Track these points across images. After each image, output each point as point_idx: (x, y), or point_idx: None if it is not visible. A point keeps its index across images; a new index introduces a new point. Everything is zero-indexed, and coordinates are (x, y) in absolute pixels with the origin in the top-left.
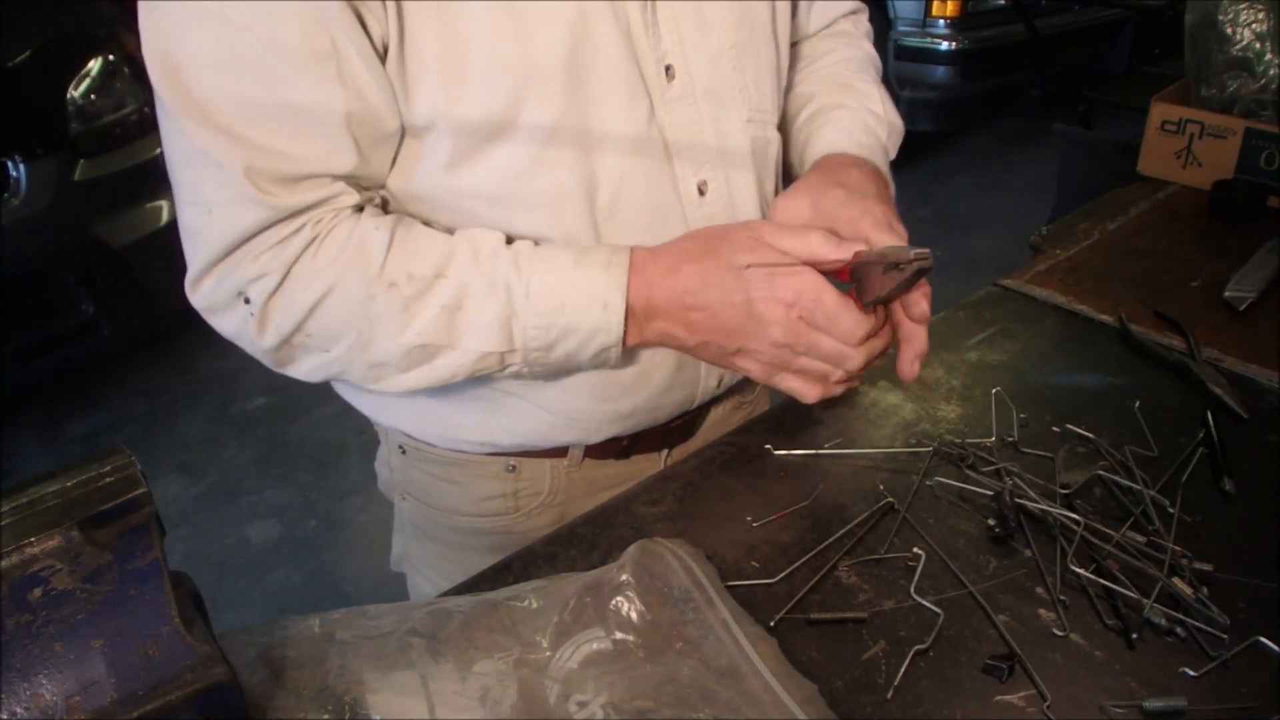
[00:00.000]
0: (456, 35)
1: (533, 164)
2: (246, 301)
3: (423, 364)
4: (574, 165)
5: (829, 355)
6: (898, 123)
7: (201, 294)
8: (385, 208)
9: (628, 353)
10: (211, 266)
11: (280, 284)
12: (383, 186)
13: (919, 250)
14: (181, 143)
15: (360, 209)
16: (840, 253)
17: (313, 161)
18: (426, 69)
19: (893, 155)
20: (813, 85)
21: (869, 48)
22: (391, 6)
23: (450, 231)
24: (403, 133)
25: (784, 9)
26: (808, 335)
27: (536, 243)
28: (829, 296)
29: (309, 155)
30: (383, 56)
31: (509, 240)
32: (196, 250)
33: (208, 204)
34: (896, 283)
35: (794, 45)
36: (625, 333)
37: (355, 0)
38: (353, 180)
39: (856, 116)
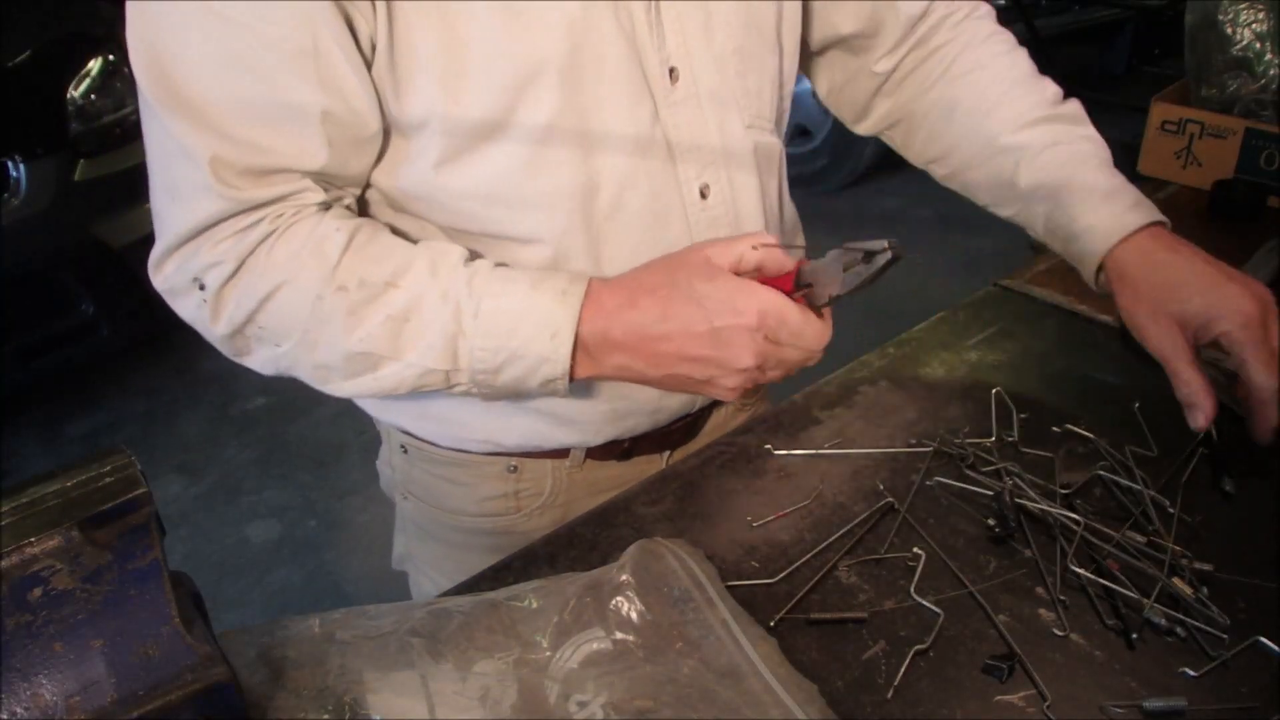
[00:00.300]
0: (456, 34)
1: (529, 164)
2: (201, 288)
3: (366, 373)
4: (573, 166)
5: (794, 365)
6: (1098, 136)
7: (162, 276)
8: (364, 210)
9: (579, 385)
10: (173, 251)
11: (234, 273)
12: (360, 186)
13: (889, 241)
14: (157, 129)
15: (327, 207)
16: (787, 261)
17: (282, 156)
18: (421, 68)
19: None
20: (1015, 134)
21: (994, 26)
22: (381, 6)
23: (442, 231)
24: (387, 133)
25: (791, 14)
26: (775, 353)
27: (501, 264)
28: (791, 313)
29: (280, 149)
30: (371, 55)
31: (472, 258)
32: (162, 234)
33: (174, 191)
34: (863, 278)
35: (914, 42)
36: (574, 364)
37: (343, 0)
38: (322, 178)
39: (1090, 164)
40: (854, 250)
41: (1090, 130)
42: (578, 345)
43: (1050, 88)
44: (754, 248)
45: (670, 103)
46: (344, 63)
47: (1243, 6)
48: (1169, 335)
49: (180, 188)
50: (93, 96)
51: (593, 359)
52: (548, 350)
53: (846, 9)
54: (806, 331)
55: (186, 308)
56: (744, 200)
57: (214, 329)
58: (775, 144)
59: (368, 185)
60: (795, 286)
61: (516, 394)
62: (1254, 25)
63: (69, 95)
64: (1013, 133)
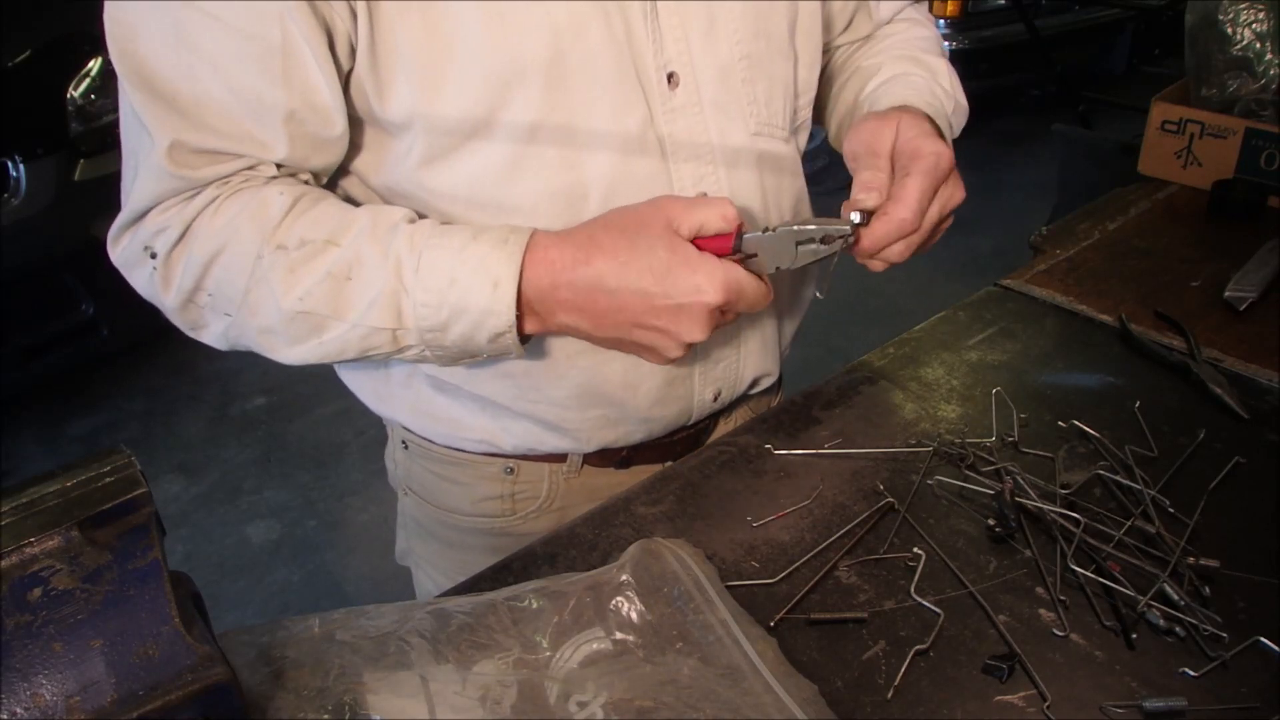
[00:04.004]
0: (438, 34)
1: (509, 167)
2: (153, 256)
3: (310, 337)
4: (557, 170)
5: (730, 323)
6: (964, 103)
7: (119, 250)
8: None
9: (532, 343)
10: (130, 225)
11: (180, 237)
12: (323, 178)
13: (852, 226)
14: (126, 106)
15: (275, 179)
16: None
17: (241, 144)
18: (403, 67)
19: (955, 134)
20: (880, 58)
21: (934, 31)
22: (362, 6)
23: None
24: (359, 125)
25: (808, 15)
26: (722, 322)
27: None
28: (750, 285)
29: (240, 139)
30: (352, 55)
31: (416, 218)
32: (123, 208)
33: (136, 167)
34: (818, 257)
35: (867, 39)
36: (521, 318)
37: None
38: (280, 164)
39: (925, 84)
40: (811, 229)
41: (948, 85)
42: (521, 299)
43: (942, 64)
44: (722, 218)
45: (669, 108)
46: (312, 62)
47: (1243, 6)
48: (870, 137)
49: (141, 165)
50: (93, 96)
51: (538, 316)
52: (489, 301)
53: (834, 9)
54: (760, 301)
55: (140, 280)
56: (744, 204)
57: (166, 299)
58: (786, 150)
59: (346, 174)
60: (733, 249)
61: (470, 355)
62: (1254, 25)
63: (69, 95)
64: (878, 57)
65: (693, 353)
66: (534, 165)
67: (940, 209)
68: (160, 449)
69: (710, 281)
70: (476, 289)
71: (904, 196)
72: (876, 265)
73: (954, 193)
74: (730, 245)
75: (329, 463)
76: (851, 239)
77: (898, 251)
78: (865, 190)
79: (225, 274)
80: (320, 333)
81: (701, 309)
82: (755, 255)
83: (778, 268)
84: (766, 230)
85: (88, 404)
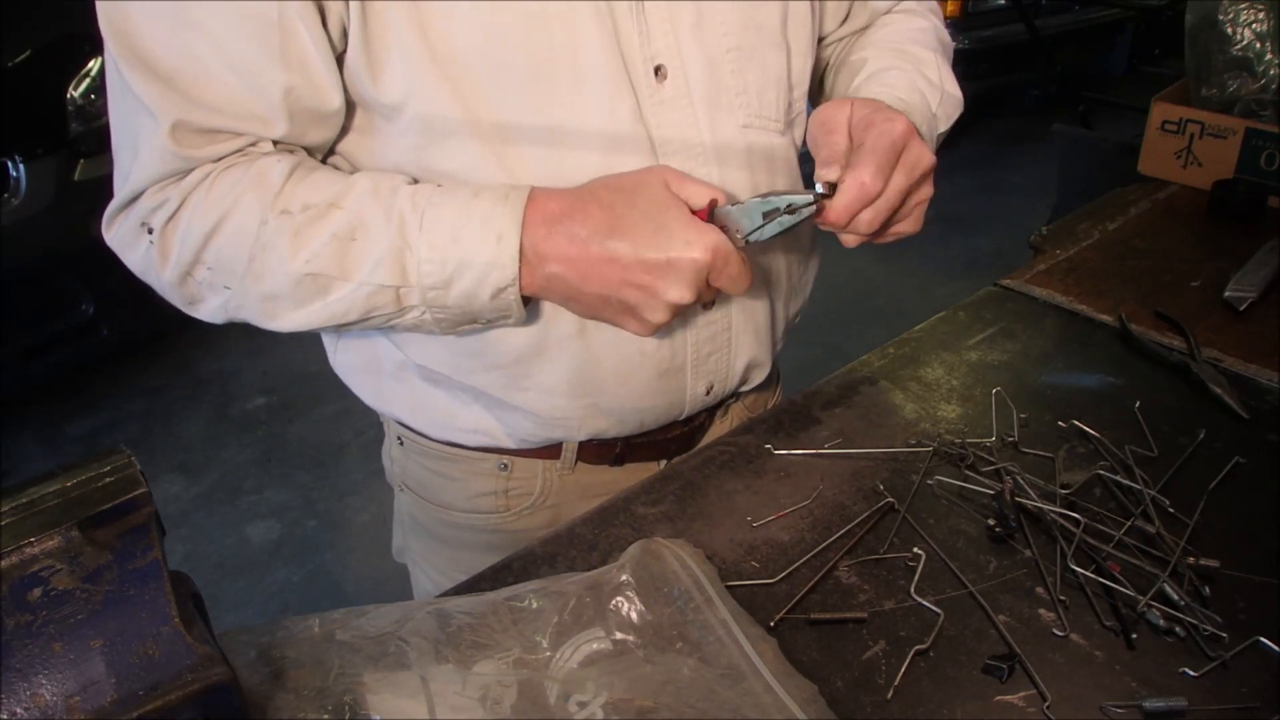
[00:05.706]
0: (428, 25)
1: (495, 159)
2: (150, 232)
3: (316, 298)
4: (543, 162)
5: (711, 300)
6: (955, 93)
7: (113, 231)
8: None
9: (522, 332)
10: (125, 205)
11: (177, 210)
12: (319, 155)
13: (814, 194)
14: (118, 88)
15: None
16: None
17: (243, 122)
18: (394, 54)
19: (944, 127)
20: (867, 51)
21: (936, 22)
22: (355, 5)
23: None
24: (351, 109)
25: (799, 11)
26: (705, 294)
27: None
28: (735, 256)
29: (242, 115)
30: (344, 36)
31: (413, 182)
32: (119, 189)
33: (136, 148)
34: (785, 227)
35: (865, 30)
36: (521, 271)
37: None
38: (277, 141)
39: (906, 77)
40: (776, 199)
41: (935, 77)
42: (520, 251)
43: (930, 55)
44: (712, 201)
45: (657, 101)
46: (306, 37)
47: (1243, 6)
48: (834, 115)
49: (141, 147)
50: (93, 96)
51: (531, 265)
52: (493, 254)
53: (829, 7)
54: (743, 278)
55: (136, 257)
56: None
57: (163, 274)
58: (780, 143)
59: (342, 160)
60: (711, 218)
61: (471, 318)
62: (1254, 25)
63: (69, 95)
64: (865, 51)
65: (684, 345)
66: (519, 158)
67: (907, 175)
68: (160, 449)
69: (701, 239)
70: (480, 243)
71: (860, 163)
72: (850, 240)
73: (919, 157)
74: (705, 218)
75: (329, 463)
76: (816, 209)
77: (867, 221)
78: (825, 165)
79: (227, 243)
80: (326, 294)
81: (690, 265)
82: (724, 229)
83: (747, 240)
84: (735, 204)
85: (88, 404)
